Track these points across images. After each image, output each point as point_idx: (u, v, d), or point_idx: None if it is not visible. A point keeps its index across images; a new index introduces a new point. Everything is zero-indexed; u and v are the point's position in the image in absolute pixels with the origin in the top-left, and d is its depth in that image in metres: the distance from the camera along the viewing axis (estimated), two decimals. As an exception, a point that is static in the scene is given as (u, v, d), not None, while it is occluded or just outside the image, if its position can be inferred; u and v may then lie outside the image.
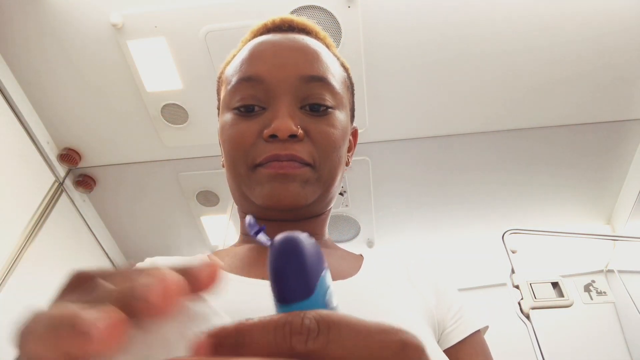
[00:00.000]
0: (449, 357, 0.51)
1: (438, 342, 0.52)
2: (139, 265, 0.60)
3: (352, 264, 0.58)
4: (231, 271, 0.54)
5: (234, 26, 1.75)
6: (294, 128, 0.54)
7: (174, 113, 2.02)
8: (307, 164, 0.56)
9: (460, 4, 1.75)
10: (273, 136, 0.54)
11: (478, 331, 0.55)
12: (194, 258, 0.59)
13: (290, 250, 0.26)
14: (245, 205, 0.62)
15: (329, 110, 0.59)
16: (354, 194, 2.29)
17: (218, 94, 0.69)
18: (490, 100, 2.01)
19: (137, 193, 2.33)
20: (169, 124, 2.05)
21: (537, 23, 1.79)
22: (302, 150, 0.55)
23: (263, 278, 0.50)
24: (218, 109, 0.68)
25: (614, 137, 2.11)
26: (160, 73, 1.90)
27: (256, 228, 0.31)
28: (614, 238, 2.41)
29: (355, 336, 0.20)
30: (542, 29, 1.80)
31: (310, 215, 0.62)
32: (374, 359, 0.20)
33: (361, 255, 0.62)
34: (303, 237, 0.26)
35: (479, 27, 1.81)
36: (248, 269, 0.54)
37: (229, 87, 0.60)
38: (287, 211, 0.57)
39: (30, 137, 1.98)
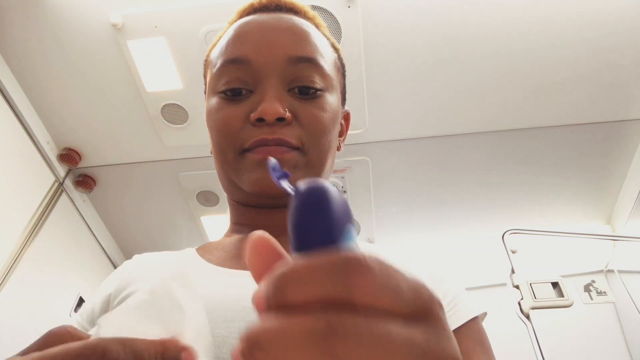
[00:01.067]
0: None
1: None
2: (126, 262, 0.60)
3: None
4: (219, 264, 0.53)
5: (234, 26, 1.75)
6: (282, 111, 0.52)
7: (174, 113, 2.02)
8: (296, 148, 0.54)
9: (460, 5, 1.75)
10: (260, 120, 0.52)
11: (475, 318, 0.53)
12: (183, 252, 0.59)
13: (318, 199, 0.23)
14: (233, 192, 0.60)
15: (319, 92, 0.57)
16: (354, 194, 2.29)
17: (205, 77, 0.66)
18: (490, 100, 2.01)
19: (137, 193, 2.33)
20: (169, 124, 2.05)
21: (537, 23, 1.79)
22: (290, 134, 0.53)
23: (245, 269, 0.49)
24: (205, 93, 0.65)
25: (614, 137, 2.11)
26: (160, 73, 1.90)
27: (280, 173, 0.28)
28: (614, 238, 2.41)
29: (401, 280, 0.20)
30: (542, 29, 1.80)
31: None
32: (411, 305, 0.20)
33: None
34: (330, 186, 0.24)
35: (479, 28, 1.80)
36: (236, 260, 0.53)
37: (214, 69, 0.58)
38: (276, 198, 0.54)
39: (30, 137, 1.98)
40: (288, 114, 0.53)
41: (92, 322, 0.53)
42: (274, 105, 0.52)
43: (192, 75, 1.90)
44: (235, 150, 0.55)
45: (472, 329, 0.53)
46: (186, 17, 1.76)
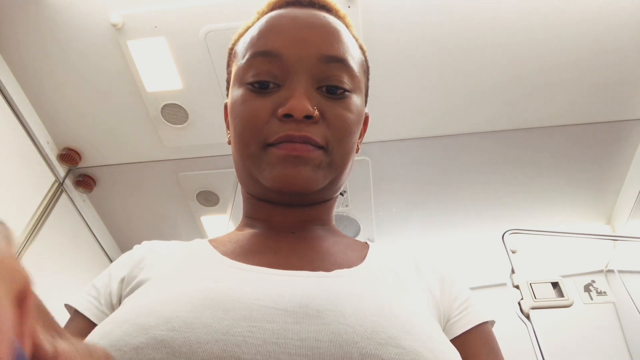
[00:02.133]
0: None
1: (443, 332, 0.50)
2: (137, 247, 0.59)
3: (357, 253, 0.56)
4: (234, 258, 0.52)
5: (234, 26, 1.75)
6: (311, 109, 0.52)
7: (174, 113, 2.02)
8: (320, 147, 0.53)
9: (460, 5, 1.75)
10: (287, 115, 0.52)
11: (485, 323, 0.53)
12: (194, 242, 0.58)
13: None
14: (251, 186, 0.59)
15: (346, 93, 0.56)
16: (354, 194, 2.29)
17: (228, 66, 0.65)
18: (490, 100, 2.01)
19: (137, 193, 2.33)
20: (169, 124, 2.05)
21: (537, 24, 1.79)
22: (316, 133, 0.52)
23: (263, 265, 0.48)
24: (228, 82, 0.64)
25: (614, 137, 2.11)
26: (160, 73, 1.90)
27: None
28: (614, 238, 2.41)
29: None
30: (542, 29, 1.80)
31: (318, 201, 0.60)
32: None
33: (367, 243, 0.60)
34: None
35: (479, 28, 1.80)
36: (251, 256, 0.52)
37: (242, 60, 0.57)
38: (296, 195, 0.55)
39: (30, 137, 1.98)
40: (316, 112, 0.53)
41: (110, 304, 0.52)
42: (303, 102, 0.51)
43: (192, 75, 1.90)
44: (259, 143, 0.53)
45: (482, 333, 0.52)
46: (186, 17, 1.76)
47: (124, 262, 0.56)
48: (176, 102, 1.98)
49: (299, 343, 0.35)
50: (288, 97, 0.52)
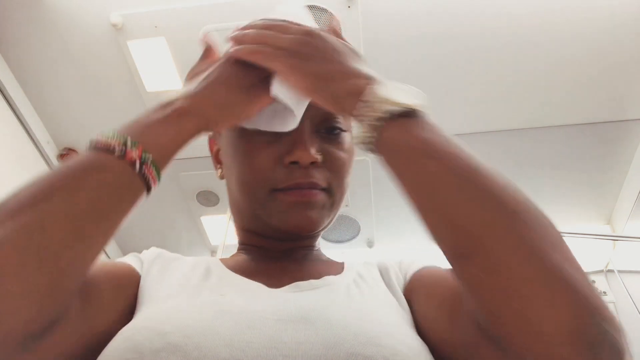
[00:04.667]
0: (418, 302, 0.52)
1: (414, 315, 0.52)
2: (145, 253, 0.61)
3: (335, 269, 0.59)
4: (237, 273, 0.55)
5: (233, 26, 1.75)
6: (317, 156, 0.55)
7: (174, 113, 2.02)
8: (323, 189, 0.57)
9: (460, 6, 1.75)
10: (294, 162, 0.55)
11: (422, 268, 0.57)
12: (202, 259, 0.60)
13: None
14: (252, 223, 0.62)
15: (342, 133, 0.60)
16: (354, 194, 2.30)
17: None
18: (490, 100, 2.01)
19: (137, 193, 2.32)
20: (169, 124, 2.05)
21: (537, 24, 1.79)
22: (320, 177, 0.56)
23: (260, 282, 0.52)
24: None
25: (614, 137, 2.11)
26: (160, 73, 1.90)
27: None
28: (614, 238, 2.41)
29: None
30: (542, 29, 1.80)
31: (312, 235, 0.64)
32: None
33: (343, 262, 0.64)
34: None
35: (479, 28, 1.80)
36: (253, 276, 0.55)
37: None
38: (305, 237, 0.61)
39: (30, 137, 1.98)
40: (320, 158, 0.56)
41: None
42: (309, 150, 0.54)
43: (192, 75, 1.90)
44: (265, 189, 0.56)
45: (422, 273, 0.56)
46: (186, 17, 1.76)
47: (137, 261, 0.58)
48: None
49: (294, 346, 0.39)
50: (293, 144, 0.55)
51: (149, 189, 0.47)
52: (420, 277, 0.56)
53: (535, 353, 0.32)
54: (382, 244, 2.62)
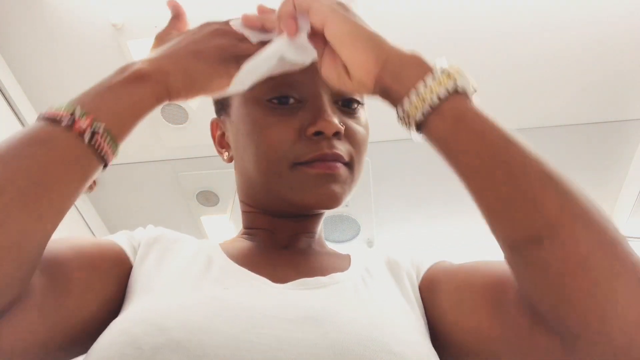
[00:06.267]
0: (440, 297, 0.51)
1: (426, 309, 0.52)
2: (142, 233, 0.61)
3: (341, 262, 0.57)
4: (240, 264, 0.53)
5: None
6: (340, 126, 0.52)
7: (174, 113, 2.02)
8: (345, 164, 0.54)
9: (460, 7, 1.75)
10: (318, 133, 0.52)
11: (436, 263, 0.56)
12: (204, 241, 0.59)
13: None
14: (266, 202, 0.59)
15: (359, 106, 0.58)
16: (354, 193, 2.29)
17: None
18: (490, 100, 1.99)
19: (137, 193, 2.33)
20: (169, 124, 2.05)
21: (536, 23, 1.79)
22: (343, 150, 0.54)
23: (265, 277, 0.50)
24: (219, 102, 0.66)
25: (614, 137, 2.11)
26: (160, 73, 1.90)
27: None
28: (614, 238, 2.41)
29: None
30: (541, 29, 1.80)
31: (319, 213, 0.61)
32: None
33: (349, 254, 0.62)
34: None
35: (479, 28, 1.81)
36: (255, 266, 0.53)
37: None
38: (322, 211, 0.58)
39: (30, 137, 1.98)
40: (344, 128, 0.54)
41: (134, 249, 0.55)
42: (334, 119, 0.52)
43: (192, 75, 1.90)
44: (286, 163, 0.53)
45: (436, 267, 0.56)
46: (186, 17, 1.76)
47: (134, 238, 0.58)
48: (176, 102, 1.98)
49: (302, 350, 0.37)
50: (316, 114, 0.52)
51: (105, 162, 0.44)
52: (442, 271, 0.54)
53: (615, 341, 0.32)
54: (382, 244, 2.62)
